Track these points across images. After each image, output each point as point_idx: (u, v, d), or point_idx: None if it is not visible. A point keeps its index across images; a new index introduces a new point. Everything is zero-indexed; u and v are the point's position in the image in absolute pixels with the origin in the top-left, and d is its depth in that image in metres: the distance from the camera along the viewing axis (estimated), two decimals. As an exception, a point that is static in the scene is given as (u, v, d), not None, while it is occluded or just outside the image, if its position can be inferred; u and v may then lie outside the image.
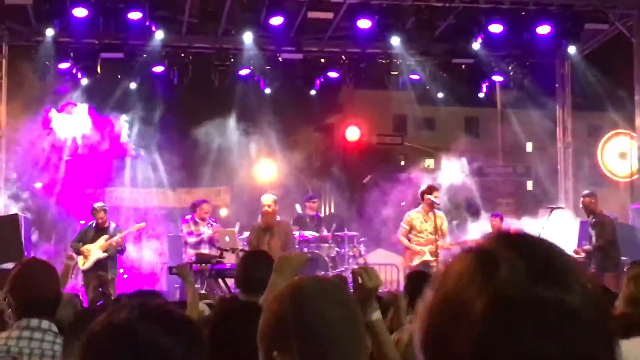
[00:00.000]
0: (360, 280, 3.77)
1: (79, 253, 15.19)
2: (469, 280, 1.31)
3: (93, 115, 20.65)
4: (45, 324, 4.27)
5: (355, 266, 17.70)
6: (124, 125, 22.01)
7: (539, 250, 1.34)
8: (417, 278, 6.93)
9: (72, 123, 20.16)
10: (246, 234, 18.65)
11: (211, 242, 15.64)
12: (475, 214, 20.31)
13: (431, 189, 14.86)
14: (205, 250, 15.52)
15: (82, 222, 17.91)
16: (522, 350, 1.25)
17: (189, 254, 15.72)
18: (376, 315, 3.71)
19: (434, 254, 14.43)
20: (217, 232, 15.66)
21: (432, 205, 14.66)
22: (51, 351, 4.19)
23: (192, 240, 15.93)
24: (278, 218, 14.32)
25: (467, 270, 1.32)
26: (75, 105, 20.02)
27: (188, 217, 16.29)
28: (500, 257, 1.31)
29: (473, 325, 1.28)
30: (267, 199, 13.96)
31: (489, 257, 1.32)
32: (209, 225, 15.85)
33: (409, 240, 14.75)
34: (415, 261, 14.49)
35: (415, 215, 14.84)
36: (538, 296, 1.27)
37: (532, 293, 1.27)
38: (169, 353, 2.10)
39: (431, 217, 14.64)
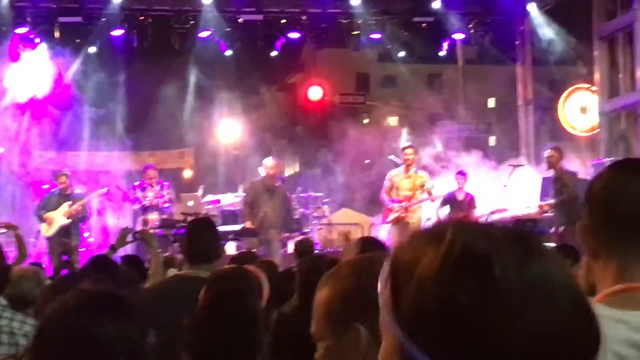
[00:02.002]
0: None
1: (42, 220, 15.13)
2: (415, 242, 1.26)
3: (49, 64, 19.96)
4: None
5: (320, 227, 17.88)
6: (81, 83, 21.54)
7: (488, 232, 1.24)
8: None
9: (29, 78, 19.60)
10: (209, 196, 18.72)
11: (157, 207, 15.55)
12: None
13: (401, 149, 15.29)
14: (153, 216, 15.44)
15: (46, 186, 17.80)
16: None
17: (140, 220, 15.69)
18: None
19: (407, 209, 14.67)
20: (182, 196, 15.64)
21: (408, 164, 14.86)
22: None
23: (135, 207, 15.94)
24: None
25: (414, 238, 1.27)
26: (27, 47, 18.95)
27: (136, 183, 16.26)
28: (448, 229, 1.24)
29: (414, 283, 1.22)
30: (270, 162, 14.96)
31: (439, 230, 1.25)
32: (161, 189, 15.73)
33: (390, 197, 14.93)
34: (390, 217, 14.85)
35: (395, 173, 15.15)
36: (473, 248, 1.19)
37: (475, 247, 1.19)
38: (112, 341, 2.25)
39: (411, 175, 14.84)
